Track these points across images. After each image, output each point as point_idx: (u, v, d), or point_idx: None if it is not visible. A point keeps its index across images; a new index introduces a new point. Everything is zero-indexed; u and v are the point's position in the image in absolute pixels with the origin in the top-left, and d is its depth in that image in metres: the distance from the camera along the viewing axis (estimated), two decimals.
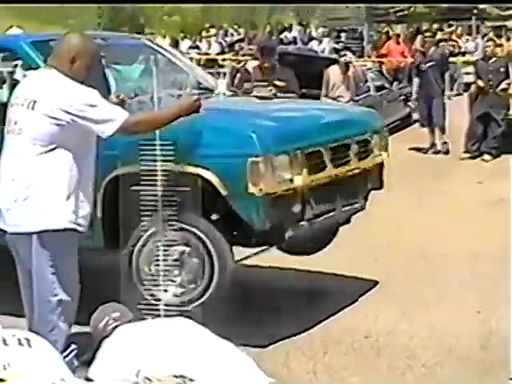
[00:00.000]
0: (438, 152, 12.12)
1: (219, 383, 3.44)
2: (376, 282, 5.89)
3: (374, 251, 6.65)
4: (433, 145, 12.29)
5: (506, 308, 4.97)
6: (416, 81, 12.46)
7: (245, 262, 5.18)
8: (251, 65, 9.93)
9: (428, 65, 12.09)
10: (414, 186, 9.48)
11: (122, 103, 4.44)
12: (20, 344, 3.44)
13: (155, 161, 4.40)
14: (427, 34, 20.85)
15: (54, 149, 4.00)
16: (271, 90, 6.98)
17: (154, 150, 4.38)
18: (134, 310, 4.17)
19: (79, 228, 4.12)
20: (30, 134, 4.01)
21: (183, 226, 4.53)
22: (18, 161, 4.07)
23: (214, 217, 4.64)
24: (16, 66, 5.37)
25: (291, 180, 4.63)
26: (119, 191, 4.57)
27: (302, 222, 4.77)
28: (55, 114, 3.95)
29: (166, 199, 4.41)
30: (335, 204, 5.10)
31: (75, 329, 4.27)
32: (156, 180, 4.41)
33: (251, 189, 4.42)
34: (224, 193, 4.46)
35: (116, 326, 3.80)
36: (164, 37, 23.89)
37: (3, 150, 4.20)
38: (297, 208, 4.69)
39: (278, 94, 6.75)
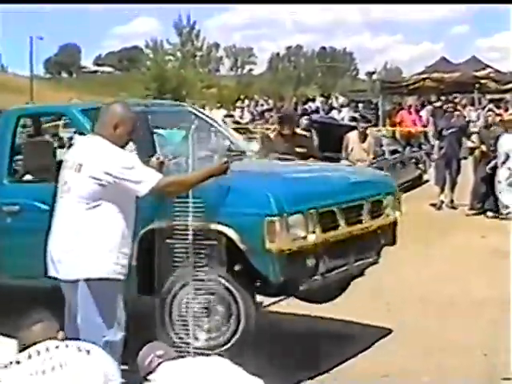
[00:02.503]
0: (451, 207, 12.16)
1: None
2: (389, 330, 5.80)
3: (386, 301, 6.59)
4: (442, 202, 12.31)
5: (507, 349, 4.91)
6: (437, 143, 12.64)
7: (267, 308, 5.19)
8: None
9: (450, 131, 12.21)
10: (423, 239, 9.41)
11: (160, 165, 4.49)
12: (79, 350, 3.45)
13: (186, 217, 4.41)
14: (437, 104, 21.04)
15: (98, 205, 4.06)
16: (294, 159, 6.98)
17: (186, 207, 4.41)
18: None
19: (121, 277, 4.15)
20: (77, 193, 4.08)
21: (211, 276, 4.51)
22: (67, 216, 4.13)
23: (237, 268, 4.60)
24: (75, 132, 5.49)
25: (305, 237, 4.58)
26: (155, 243, 4.58)
27: (316, 277, 4.72)
28: (98, 176, 4.02)
29: (196, 252, 4.41)
30: (348, 259, 5.03)
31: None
32: (187, 235, 4.42)
33: (268, 245, 4.40)
34: (243, 248, 4.45)
35: (160, 363, 3.80)
36: (203, 107, 24.18)
37: (56, 207, 4.27)
38: (310, 263, 4.64)
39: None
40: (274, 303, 5.18)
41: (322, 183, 5.22)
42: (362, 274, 5.62)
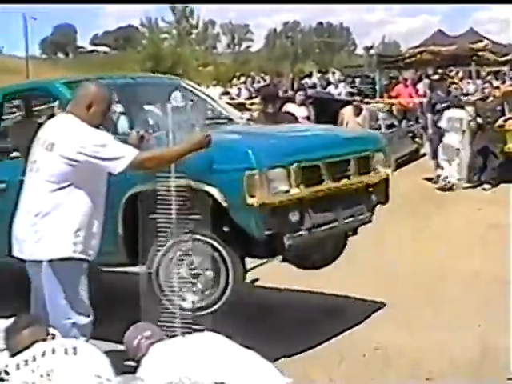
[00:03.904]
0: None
1: None
2: (383, 303, 5.78)
3: (382, 274, 6.55)
4: (438, 176, 12.22)
5: (504, 323, 4.88)
6: (430, 117, 12.50)
7: (267, 284, 5.08)
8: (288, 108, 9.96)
9: (444, 105, 12.11)
10: (419, 212, 9.40)
11: (141, 139, 4.40)
12: (66, 353, 3.44)
13: (169, 178, 4.34)
14: (435, 77, 20.91)
15: (67, 186, 4.00)
16: None
17: (168, 168, 4.34)
18: (155, 317, 4.15)
19: (87, 257, 4.10)
20: (47, 173, 4.02)
21: (197, 236, 4.48)
22: (34, 196, 4.08)
23: (225, 228, 4.58)
24: (60, 106, 5.40)
25: (288, 191, 4.54)
26: (139, 208, 4.51)
27: (301, 232, 4.66)
28: (71, 155, 3.95)
29: (181, 213, 4.35)
30: (336, 215, 4.95)
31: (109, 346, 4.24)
32: (170, 196, 4.35)
33: (248, 200, 4.36)
34: (226, 206, 4.41)
35: (149, 344, 3.75)
36: (199, 85, 24.05)
37: (23, 186, 4.22)
38: (294, 217, 4.60)
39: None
40: (261, 264, 5.09)
41: (305, 138, 5.21)
42: (354, 232, 5.56)
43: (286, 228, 4.58)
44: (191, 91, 6.33)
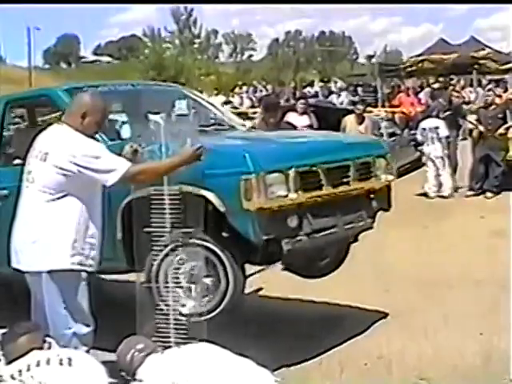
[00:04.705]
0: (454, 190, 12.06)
1: None
2: (386, 312, 5.74)
3: (383, 282, 6.53)
4: (441, 184, 12.19)
5: (506, 329, 4.87)
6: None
7: (268, 293, 5.01)
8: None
9: (447, 113, 12.11)
10: (422, 220, 9.39)
11: (134, 153, 4.39)
12: (60, 364, 3.43)
13: (167, 183, 4.31)
14: (436, 85, 20.92)
15: (62, 197, 4.00)
16: None
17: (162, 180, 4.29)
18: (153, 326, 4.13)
19: (87, 268, 4.10)
20: (41, 183, 4.02)
21: (196, 241, 4.44)
22: (30, 207, 4.08)
23: (225, 234, 4.53)
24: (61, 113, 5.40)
25: (286, 196, 4.49)
26: (137, 214, 4.47)
27: (300, 237, 4.61)
28: (63, 165, 3.95)
29: (178, 218, 4.31)
30: (336, 221, 4.90)
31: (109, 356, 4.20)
32: (167, 201, 4.31)
33: (245, 204, 4.33)
34: (223, 210, 4.37)
35: (142, 357, 3.72)
36: (201, 93, 24.06)
37: (20, 197, 4.22)
38: (293, 222, 4.55)
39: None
40: (259, 271, 5.06)
41: (304, 143, 5.16)
42: (355, 239, 5.52)
43: (285, 233, 4.54)
44: (195, 100, 6.30)
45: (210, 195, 4.37)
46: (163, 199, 4.29)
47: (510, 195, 9.06)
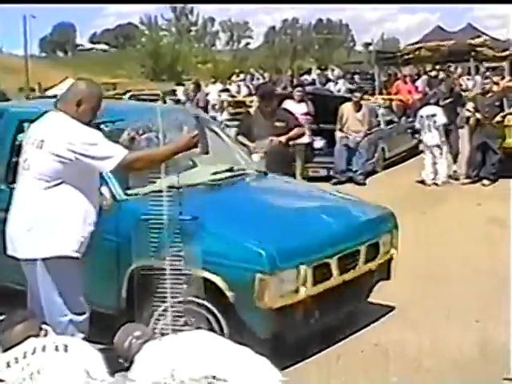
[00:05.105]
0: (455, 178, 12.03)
1: (245, 381, 3.43)
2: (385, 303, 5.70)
3: None
4: (437, 172, 12.20)
5: (505, 319, 4.89)
6: None
7: None
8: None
9: (447, 101, 12.14)
10: (419, 208, 9.40)
11: (131, 140, 4.39)
12: (56, 350, 3.44)
13: (172, 259, 4.19)
14: (432, 73, 20.89)
15: (58, 184, 3.99)
16: (272, 141, 6.88)
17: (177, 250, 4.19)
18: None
19: (79, 255, 4.09)
20: (37, 171, 4.01)
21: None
22: (26, 195, 4.08)
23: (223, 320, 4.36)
24: None
25: (296, 291, 4.36)
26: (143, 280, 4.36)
27: (304, 329, 4.55)
28: (60, 152, 3.93)
29: (177, 292, 4.24)
30: (339, 306, 4.82)
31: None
32: (170, 276, 4.21)
33: (257, 303, 4.20)
34: (230, 296, 4.22)
35: (140, 344, 3.73)
36: (198, 81, 23.99)
37: (16, 185, 4.23)
38: (300, 316, 4.45)
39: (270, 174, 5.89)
40: None
41: (316, 235, 4.68)
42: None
43: (291, 328, 4.45)
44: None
45: (216, 278, 4.23)
46: (165, 273, 4.20)
47: (507, 182, 9.06)
